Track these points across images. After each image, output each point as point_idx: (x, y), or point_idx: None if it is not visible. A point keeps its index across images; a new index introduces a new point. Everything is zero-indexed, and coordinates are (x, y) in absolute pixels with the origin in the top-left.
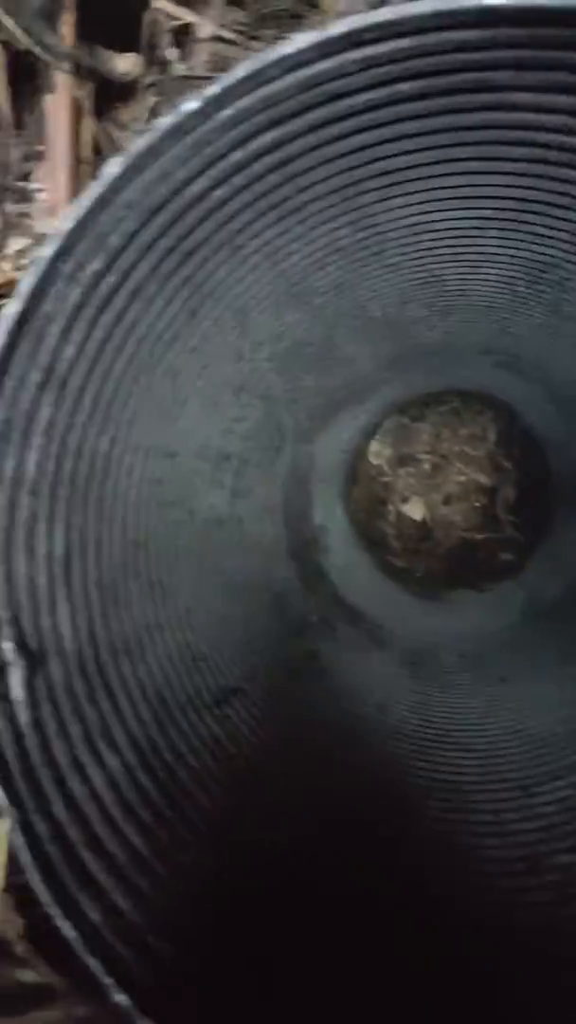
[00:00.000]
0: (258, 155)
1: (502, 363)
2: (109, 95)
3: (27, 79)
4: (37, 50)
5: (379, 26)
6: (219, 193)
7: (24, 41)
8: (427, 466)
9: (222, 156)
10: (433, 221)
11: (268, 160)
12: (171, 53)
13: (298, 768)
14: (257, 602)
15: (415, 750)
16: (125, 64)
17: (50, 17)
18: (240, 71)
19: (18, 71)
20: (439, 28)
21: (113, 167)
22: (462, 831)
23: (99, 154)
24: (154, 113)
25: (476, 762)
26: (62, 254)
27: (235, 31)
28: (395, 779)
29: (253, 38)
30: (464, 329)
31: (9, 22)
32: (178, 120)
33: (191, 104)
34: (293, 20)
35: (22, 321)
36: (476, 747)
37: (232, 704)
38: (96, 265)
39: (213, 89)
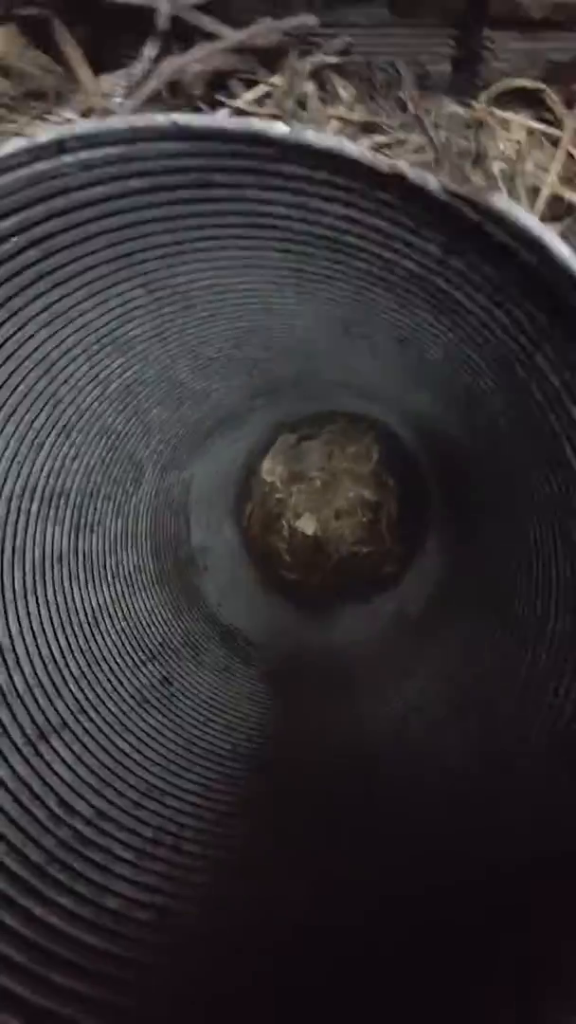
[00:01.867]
0: (11, 233)
1: (361, 394)
2: None
3: None
4: None
5: (81, 137)
6: None
7: None
8: (318, 483)
9: None
10: (231, 282)
11: (22, 238)
12: None
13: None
14: (102, 635)
15: (256, 767)
16: None
17: None
18: None
19: None
20: (142, 140)
21: None
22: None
23: None
24: None
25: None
26: None
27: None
28: (238, 798)
29: (14, 110)
30: (311, 367)
31: None
32: None
33: None
34: (58, 97)
35: None
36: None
37: (50, 741)
38: None
39: None
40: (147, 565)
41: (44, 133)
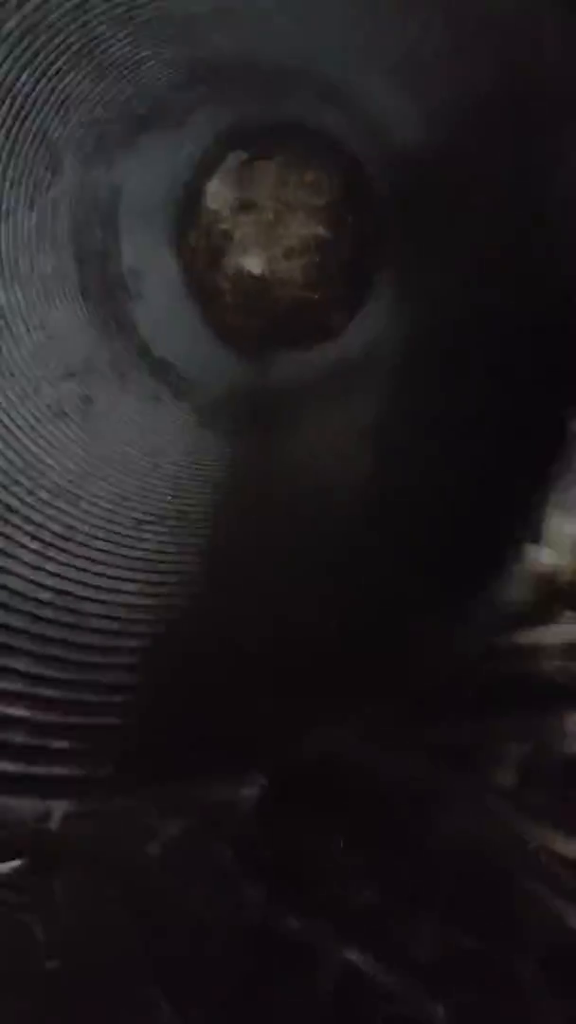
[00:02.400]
0: None
1: (323, 95)
2: None
3: None
4: None
5: None
6: None
7: None
8: (270, 215)
9: None
10: None
11: None
12: None
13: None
14: (14, 340)
15: (176, 487)
16: None
17: None
18: None
19: None
20: None
21: None
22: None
23: None
24: None
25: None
26: None
27: None
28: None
29: None
30: (265, 44)
31: None
32: None
33: None
34: None
35: None
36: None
37: None
38: None
39: None
40: (68, 274)
41: None
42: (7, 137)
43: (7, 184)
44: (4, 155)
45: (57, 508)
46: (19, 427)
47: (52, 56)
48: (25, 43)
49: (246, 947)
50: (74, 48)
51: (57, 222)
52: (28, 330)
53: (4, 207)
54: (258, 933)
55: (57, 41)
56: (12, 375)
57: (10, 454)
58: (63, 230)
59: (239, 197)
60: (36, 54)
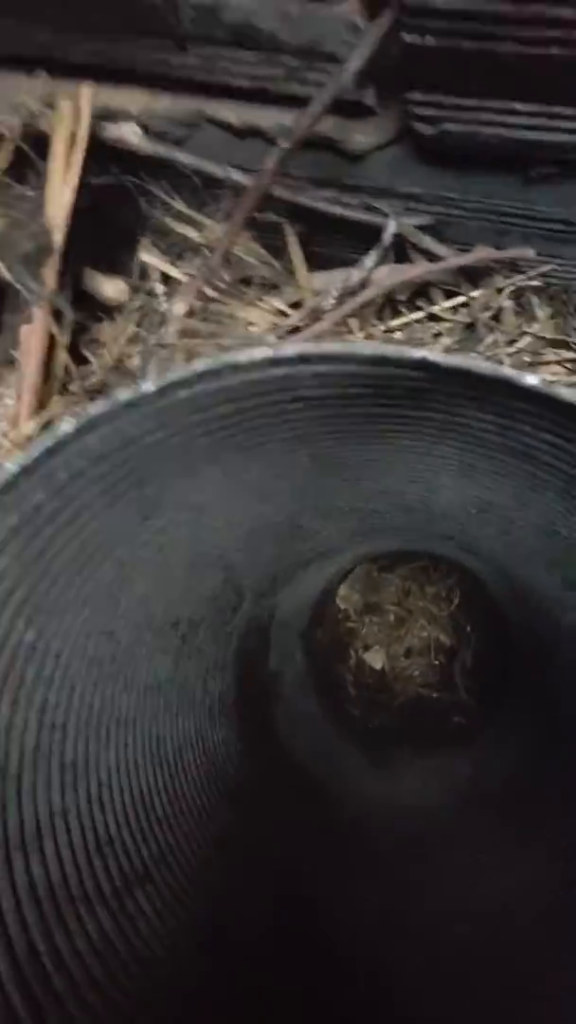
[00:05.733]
0: (217, 419)
1: (464, 547)
2: (93, 311)
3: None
4: (18, 287)
5: (327, 357)
6: (176, 440)
7: (7, 277)
8: (392, 617)
9: (181, 420)
10: (394, 461)
11: (226, 422)
12: (158, 288)
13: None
14: (184, 771)
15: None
16: (112, 290)
17: (35, 262)
18: (200, 366)
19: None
20: (383, 363)
21: (67, 426)
22: None
23: (69, 372)
24: (133, 339)
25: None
26: (3, 492)
27: (217, 288)
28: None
29: (226, 293)
30: (425, 523)
31: None
32: (136, 396)
33: (149, 386)
34: (272, 288)
35: None
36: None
37: (134, 894)
38: (39, 496)
39: (172, 376)
40: (229, 692)
41: (289, 347)
42: (213, 595)
43: (203, 628)
44: (208, 608)
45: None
46: (184, 874)
47: (263, 542)
48: (250, 537)
49: None
50: (281, 531)
51: (228, 649)
52: (195, 757)
53: (196, 646)
54: None
55: (272, 531)
56: (181, 810)
57: (178, 909)
58: (231, 656)
59: (365, 600)
60: (255, 540)
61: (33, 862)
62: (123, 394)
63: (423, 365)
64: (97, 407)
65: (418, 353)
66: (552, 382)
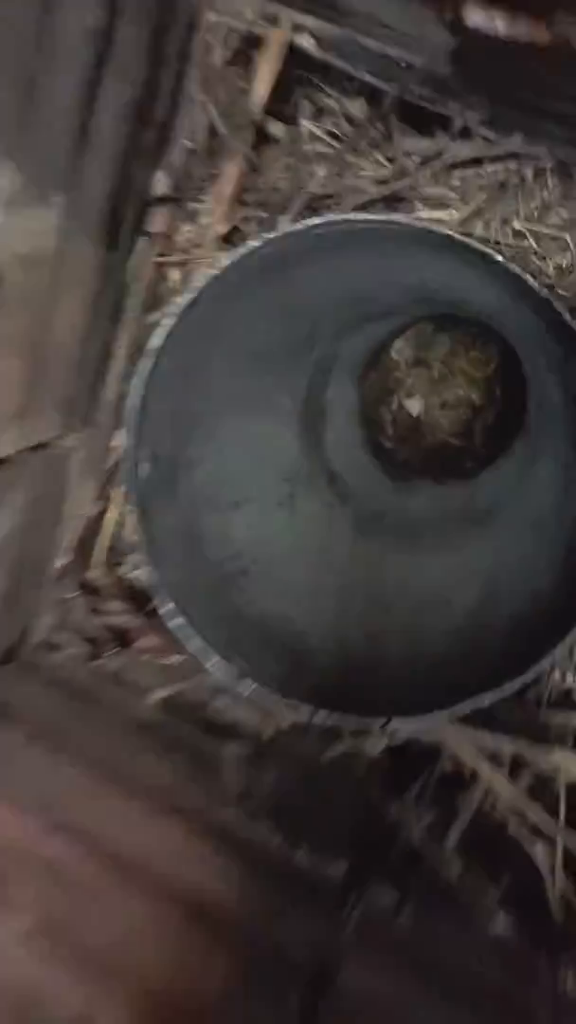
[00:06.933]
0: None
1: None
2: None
3: None
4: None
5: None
6: (304, 247)
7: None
8: (435, 373)
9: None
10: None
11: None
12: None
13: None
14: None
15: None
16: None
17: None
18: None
19: None
20: None
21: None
22: None
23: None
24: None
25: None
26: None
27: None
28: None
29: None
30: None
31: None
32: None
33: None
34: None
35: None
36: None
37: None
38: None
39: (309, 222)
40: (298, 407)
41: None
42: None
43: (282, 359)
44: (287, 351)
45: None
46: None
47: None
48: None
49: None
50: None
51: (301, 376)
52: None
53: (279, 371)
54: None
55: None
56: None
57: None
58: (303, 382)
59: (416, 355)
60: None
61: None
62: (284, 226)
63: None
64: (268, 236)
65: None
66: None
